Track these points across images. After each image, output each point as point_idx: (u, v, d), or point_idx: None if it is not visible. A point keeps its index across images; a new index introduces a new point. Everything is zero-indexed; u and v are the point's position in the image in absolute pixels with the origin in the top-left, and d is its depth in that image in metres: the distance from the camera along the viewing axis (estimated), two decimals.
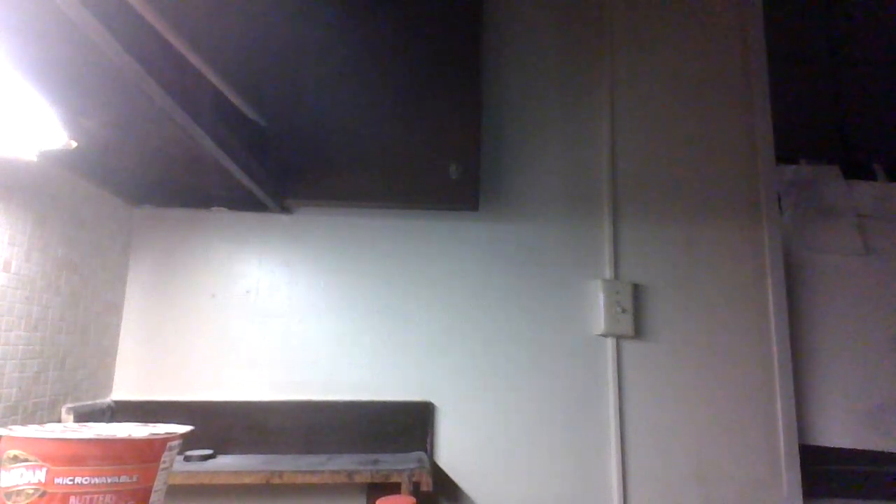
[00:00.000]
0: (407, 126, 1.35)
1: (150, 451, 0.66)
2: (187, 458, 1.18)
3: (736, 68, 1.61)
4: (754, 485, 1.38)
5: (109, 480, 0.62)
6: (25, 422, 1.00)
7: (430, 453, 1.32)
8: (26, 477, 0.60)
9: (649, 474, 1.37)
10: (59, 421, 1.10)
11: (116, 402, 1.28)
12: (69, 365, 1.13)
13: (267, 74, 1.30)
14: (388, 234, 1.43)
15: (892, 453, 1.46)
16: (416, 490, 1.11)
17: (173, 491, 1.06)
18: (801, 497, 1.37)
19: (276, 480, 1.10)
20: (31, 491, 0.60)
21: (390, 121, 1.35)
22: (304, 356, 1.35)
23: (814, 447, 1.45)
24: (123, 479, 0.63)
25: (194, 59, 0.82)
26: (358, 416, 1.32)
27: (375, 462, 1.20)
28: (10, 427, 0.65)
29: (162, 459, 0.68)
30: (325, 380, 1.34)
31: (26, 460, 0.60)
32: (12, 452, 0.61)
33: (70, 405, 1.12)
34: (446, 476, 1.32)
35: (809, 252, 1.58)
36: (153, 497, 0.67)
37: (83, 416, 1.14)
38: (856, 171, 1.69)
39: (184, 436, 0.73)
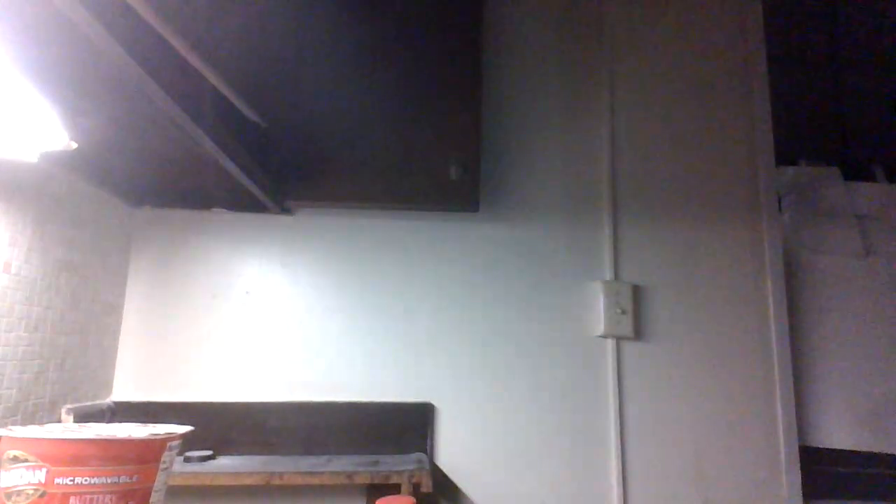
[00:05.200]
0: (407, 127, 1.35)
1: (149, 451, 0.66)
2: (187, 459, 1.18)
3: (736, 68, 1.61)
4: (754, 485, 1.38)
5: (109, 481, 0.62)
6: (25, 423, 1.00)
7: (430, 454, 1.32)
8: (26, 477, 0.60)
9: (649, 475, 1.37)
10: (59, 422, 1.10)
11: (116, 403, 1.28)
12: (69, 366, 1.13)
13: (267, 75, 1.30)
14: (388, 235, 1.43)
15: (892, 455, 1.46)
16: (415, 491, 1.11)
17: (173, 492, 1.06)
18: (801, 498, 1.37)
19: (276, 482, 1.10)
20: (31, 491, 0.60)
21: (390, 122, 1.35)
22: (303, 356, 1.35)
23: (814, 448, 1.45)
24: (123, 479, 0.63)
25: (194, 60, 0.82)
26: (358, 417, 1.32)
27: (375, 463, 1.20)
28: (10, 427, 0.65)
29: (162, 460, 0.68)
30: (325, 380, 1.34)
31: (26, 461, 0.60)
32: (12, 453, 0.61)
33: (70, 406, 1.12)
34: (446, 477, 1.32)
35: (809, 253, 1.58)
36: (153, 497, 0.67)
37: (83, 417, 1.14)
38: (855, 172, 1.69)
39: (183, 436, 0.73)
